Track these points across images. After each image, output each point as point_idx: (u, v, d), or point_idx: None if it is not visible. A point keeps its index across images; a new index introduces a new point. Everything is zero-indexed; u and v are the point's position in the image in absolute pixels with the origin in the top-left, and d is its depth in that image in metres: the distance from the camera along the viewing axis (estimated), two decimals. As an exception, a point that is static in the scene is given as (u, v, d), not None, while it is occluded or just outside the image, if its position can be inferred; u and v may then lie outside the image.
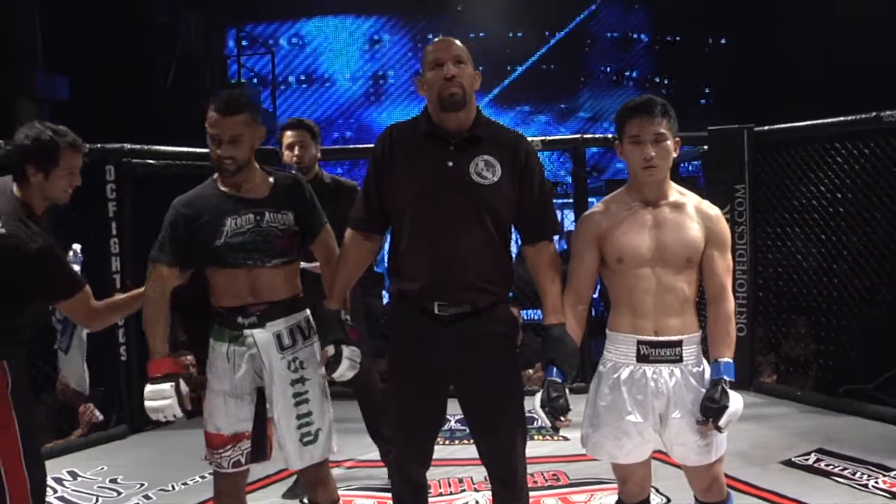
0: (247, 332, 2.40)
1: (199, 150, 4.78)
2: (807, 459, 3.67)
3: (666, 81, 12.59)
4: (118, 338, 4.41)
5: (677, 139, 2.26)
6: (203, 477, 3.58)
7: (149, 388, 2.34)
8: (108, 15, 8.32)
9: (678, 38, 12.35)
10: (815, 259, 4.75)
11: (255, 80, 11.13)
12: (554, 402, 2.18)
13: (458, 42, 2.31)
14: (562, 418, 2.18)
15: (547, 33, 12.19)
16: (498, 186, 2.25)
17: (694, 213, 2.27)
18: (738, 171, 4.88)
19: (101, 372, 2.71)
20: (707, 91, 11.39)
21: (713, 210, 2.30)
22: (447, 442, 4.00)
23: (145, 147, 4.70)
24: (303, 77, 12.37)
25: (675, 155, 2.26)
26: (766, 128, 4.87)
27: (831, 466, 3.56)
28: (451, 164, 2.25)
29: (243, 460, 2.45)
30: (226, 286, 2.41)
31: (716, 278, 2.26)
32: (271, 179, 2.46)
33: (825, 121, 4.55)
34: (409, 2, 11.59)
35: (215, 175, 2.45)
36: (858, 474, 3.44)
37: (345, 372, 2.36)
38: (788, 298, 4.95)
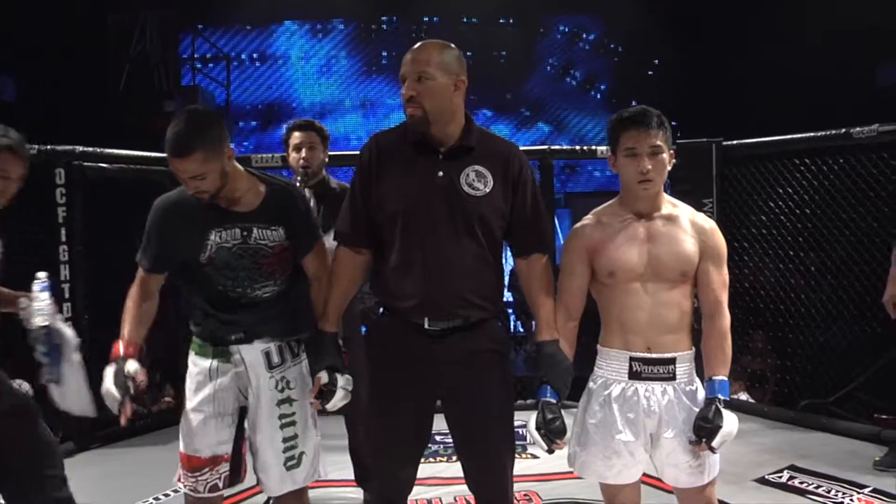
0: (233, 347, 2.24)
1: (154, 154, 4.58)
2: (780, 477, 3.63)
3: (603, 87, 12.64)
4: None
5: (672, 151, 2.19)
6: (157, 499, 3.39)
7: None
8: (59, 13, 8.05)
9: (620, 49, 12.44)
10: (783, 274, 4.77)
11: (208, 56, 10.93)
12: (550, 424, 2.08)
13: (431, 49, 2.14)
14: (558, 441, 2.08)
15: (502, 21, 12.06)
16: (490, 198, 2.14)
17: (688, 226, 2.19)
18: (705, 185, 4.87)
19: (44, 388, 2.51)
20: (634, 103, 11.46)
21: (708, 223, 2.23)
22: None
23: (97, 150, 4.47)
24: (255, 55, 12.10)
25: (669, 168, 2.19)
26: (734, 142, 4.87)
27: (805, 484, 3.53)
28: (441, 174, 2.13)
29: (220, 484, 2.27)
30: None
31: (711, 293, 2.19)
32: (262, 188, 2.24)
33: (794, 136, 4.56)
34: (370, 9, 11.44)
35: None
36: (833, 492, 3.41)
37: (338, 402, 2.17)
38: (755, 314, 4.95)
